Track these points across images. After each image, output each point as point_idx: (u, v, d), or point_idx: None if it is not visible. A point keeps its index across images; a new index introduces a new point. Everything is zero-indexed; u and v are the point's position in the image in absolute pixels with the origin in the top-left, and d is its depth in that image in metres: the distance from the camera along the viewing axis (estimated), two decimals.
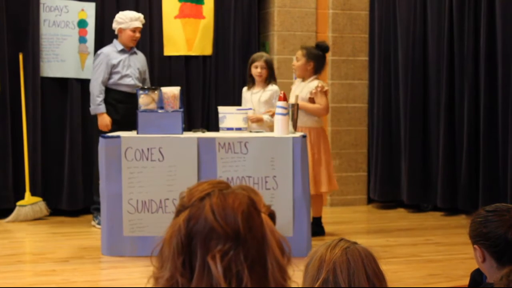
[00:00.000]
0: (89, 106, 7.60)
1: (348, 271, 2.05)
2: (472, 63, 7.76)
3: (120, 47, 7.56)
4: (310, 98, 6.85)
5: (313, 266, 2.10)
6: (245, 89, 7.45)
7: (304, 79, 6.99)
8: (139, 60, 7.72)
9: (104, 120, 7.42)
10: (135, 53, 7.70)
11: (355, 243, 2.14)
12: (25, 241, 7.07)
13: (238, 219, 1.59)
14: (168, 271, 1.60)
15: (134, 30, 7.56)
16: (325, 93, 6.90)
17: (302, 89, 6.90)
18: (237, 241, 1.58)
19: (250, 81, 7.29)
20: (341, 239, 2.15)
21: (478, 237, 2.87)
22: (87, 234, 7.14)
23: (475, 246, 2.88)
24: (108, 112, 7.46)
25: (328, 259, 2.07)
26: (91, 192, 7.69)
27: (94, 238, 6.76)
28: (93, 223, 7.51)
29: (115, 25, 7.59)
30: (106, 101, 7.48)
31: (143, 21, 7.67)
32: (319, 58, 6.98)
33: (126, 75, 7.52)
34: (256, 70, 7.17)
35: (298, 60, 6.97)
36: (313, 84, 6.87)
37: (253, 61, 7.23)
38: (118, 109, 7.49)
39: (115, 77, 7.50)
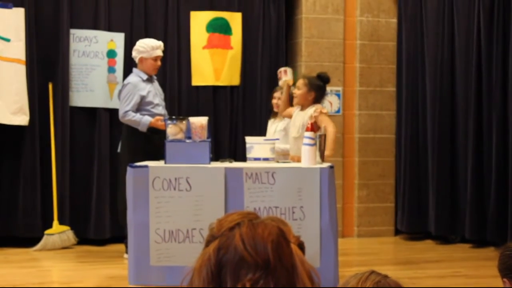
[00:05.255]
0: (117, 135, 7.64)
1: None
2: (500, 94, 7.73)
3: (145, 76, 7.41)
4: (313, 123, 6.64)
5: None
6: (270, 121, 7.59)
7: (302, 107, 6.89)
8: (159, 87, 7.70)
9: (158, 123, 7.15)
10: (155, 81, 7.64)
11: (386, 276, 2.12)
12: (53, 270, 7.10)
13: (268, 248, 1.59)
14: None
15: (155, 58, 7.42)
16: (324, 114, 6.65)
17: (303, 117, 6.75)
18: (267, 270, 1.57)
19: (273, 112, 7.51)
20: (372, 272, 2.12)
21: (507, 271, 2.84)
22: (114, 263, 7.15)
23: (505, 279, 2.86)
24: (143, 144, 7.18)
25: None
26: (118, 222, 7.56)
27: (121, 267, 6.77)
28: (126, 255, 7.08)
29: (135, 54, 7.45)
30: (140, 132, 7.23)
31: (163, 48, 7.59)
32: (320, 89, 6.84)
33: (157, 105, 7.44)
34: (273, 100, 7.49)
35: (299, 89, 6.87)
36: (310, 111, 6.66)
37: (273, 92, 7.51)
38: (154, 139, 7.18)
39: (149, 107, 7.34)
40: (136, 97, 7.28)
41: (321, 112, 6.62)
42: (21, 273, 6.63)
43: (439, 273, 6.76)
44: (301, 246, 1.68)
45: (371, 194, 8.94)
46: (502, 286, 2.89)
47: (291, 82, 6.99)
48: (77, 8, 8.14)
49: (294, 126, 6.65)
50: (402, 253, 8.11)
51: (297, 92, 6.87)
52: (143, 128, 7.23)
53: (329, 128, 6.47)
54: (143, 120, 7.22)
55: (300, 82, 6.89)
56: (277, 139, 7.03)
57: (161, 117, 7.19)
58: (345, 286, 2.11)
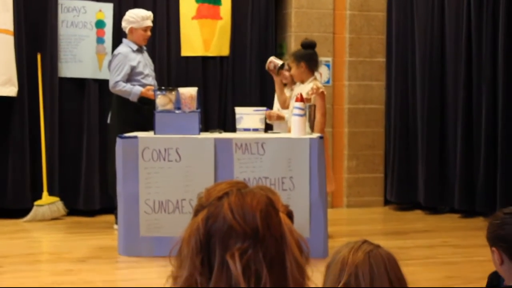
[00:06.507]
0: (106, 106, 7.62)
1: (371, 276, 2.04)
2: (490, 64, 7.72)
3: (135, 46, 7.34)
4: (307, 99, 6.52)
5: (335, 268, 2.08)
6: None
7: (303, 81, 6.87)
8: (149, 58, 7.63)
9: (148, 93, 7.03)
10: (145, 51, 7.57)
11: (378, 246, 2.12)
12: (42, 241, 7.10)
13: (256, 217, 1.59)
14: (186, 270, 1.60)
15: (145, 29, 7.35)
16: (320, 95, 6.66)
17: (303, 91, 6.72)
18: (256, 239, 1.57)
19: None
20: (364, 241, 2.12)
21: (496, 240, 2.85)
22: (103, 234, 7.15)
23: (493, 248, 2.86)
24: (133, 115, 7.12)
25: (350, 262, 2.05)
26: (108, 193, 7.55)
27: (110, 238, 6.77)
28: (115, 226, 7.07)
29: (125, 24, 7.38)
30: (130, 103, 7.17)
31: (152, 19, 7.49)
32: (307, 56, 6.81)
33: (147, 75, 7.37)
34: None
35: (291, 68, 6.86)
36: (309, 86, 6.69)
37: None
38: (143, 111, 7.09)
39: (139, 78, 7.28)
40: (126, 68, 7.24)
41: (316, 92, 6.58)
42: (11, 244, 6.64)
43: (428, 242, 6.79)
44: (289, 215, 1.68)
45: (361, 165, 8.95)
46: (491, 255, 2.90)
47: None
48: None
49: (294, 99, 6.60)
50: (391, 223, 8.14)
51: (292, 72, 6.87)
52: (133, 98, 7.19)
53: (317, 115, 6.45)
54: (134, 90, 7.18)
55: (289, 61, 6.89)
56: (266, 108, 7.02)
57: (152, 87, 7.15)
58: (337, 255, 2.12)
